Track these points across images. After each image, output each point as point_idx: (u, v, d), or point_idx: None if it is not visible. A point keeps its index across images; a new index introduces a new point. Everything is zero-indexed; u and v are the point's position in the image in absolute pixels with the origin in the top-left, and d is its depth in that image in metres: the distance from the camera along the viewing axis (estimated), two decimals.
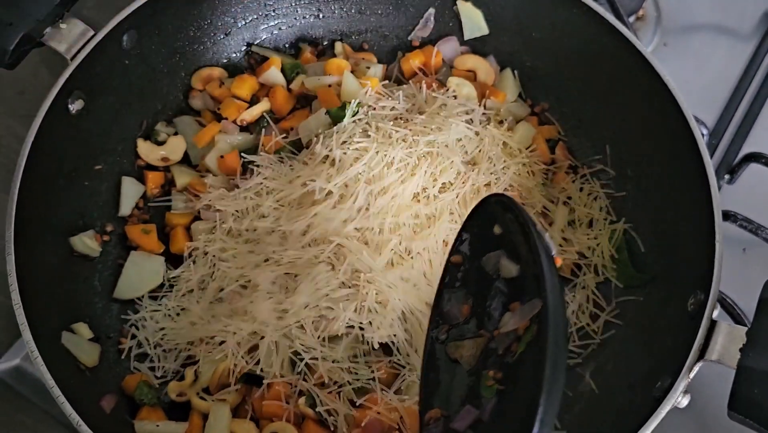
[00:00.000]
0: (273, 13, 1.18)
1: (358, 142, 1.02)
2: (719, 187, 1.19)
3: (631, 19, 1.37)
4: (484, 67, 1.15)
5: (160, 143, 1.11)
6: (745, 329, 0.82)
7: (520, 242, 0.73)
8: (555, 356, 0.63)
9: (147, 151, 1.10)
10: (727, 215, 1.14)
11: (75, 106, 1.01)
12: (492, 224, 0.78)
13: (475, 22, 1.16)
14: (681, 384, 0.82)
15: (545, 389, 0.61)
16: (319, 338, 0.95)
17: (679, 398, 0.83)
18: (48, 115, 0.97)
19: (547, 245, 0.70)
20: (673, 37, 1.40)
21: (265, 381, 0.94)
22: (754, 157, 1.19)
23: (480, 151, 1.06)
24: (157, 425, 0.93)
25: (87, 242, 1.03)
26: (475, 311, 0.78)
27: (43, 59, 1.38)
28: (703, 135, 1.18)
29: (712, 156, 1.24)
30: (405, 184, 0.99)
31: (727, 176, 1.23)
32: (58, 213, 1.01)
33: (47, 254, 0.98)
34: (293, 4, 1.18)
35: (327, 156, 1.03)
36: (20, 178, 0.93)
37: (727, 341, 0.82)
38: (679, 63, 1.36)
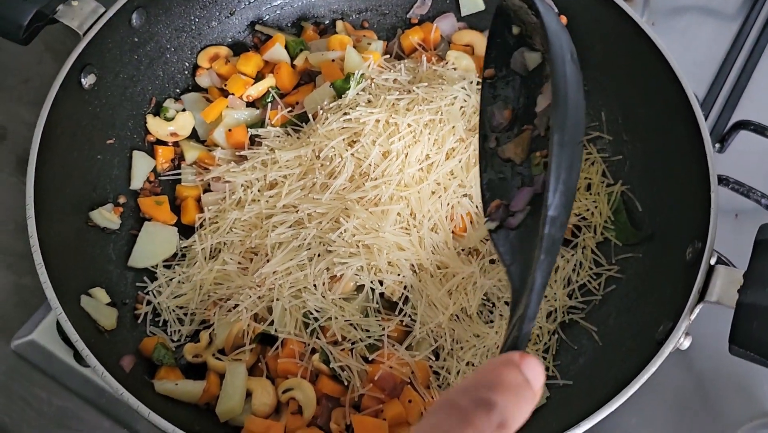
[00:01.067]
0: None
1: (369, 112, 1.05)
2: None
3: None
4: (481, 41, 1.19)
5: (169, 119, 1.14)
6: (742, 271, 0.85)
7: (535, 29, 0.78)
8: (563, 73, 0.67)
9: (156, 126, 1.13)
10: (719, 179, 1.17)
11: (87, 81, 1.04)
12: (510, 28, 0.82)
13: None
14: (683, 325, 0.85)
15: (558, 102, 0.65)
16: (331, 300, 0.99)
17: (681, 339, 0.87)
18: (61, 89, 1.00)
19: (550, 8, 0.76)
20: (661, 17, 1.44)
21: (279, 339, 0.97)
22: (742, 125, 1.23)
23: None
24: (176, 384, 0.95)
25: (106, 215, 1.06)
26: (516, 111, 0.82)
27: (48, 47, 1.42)
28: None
29: None
30: (411, 148, 1.02)
31: (717, 145, 1.27)
32: (73, 185, 1.04)
33: (63, 225, 1.00)
34: None
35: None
36: (37, 149, 0.96)
37: (725, 282, 0.86)
38: (667, 41, 1.38)
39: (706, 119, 1.28)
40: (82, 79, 1.04)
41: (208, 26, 1.18)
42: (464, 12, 1.22)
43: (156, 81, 1.15)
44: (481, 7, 1.20)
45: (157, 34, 1.13)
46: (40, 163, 0.97)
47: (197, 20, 1.17)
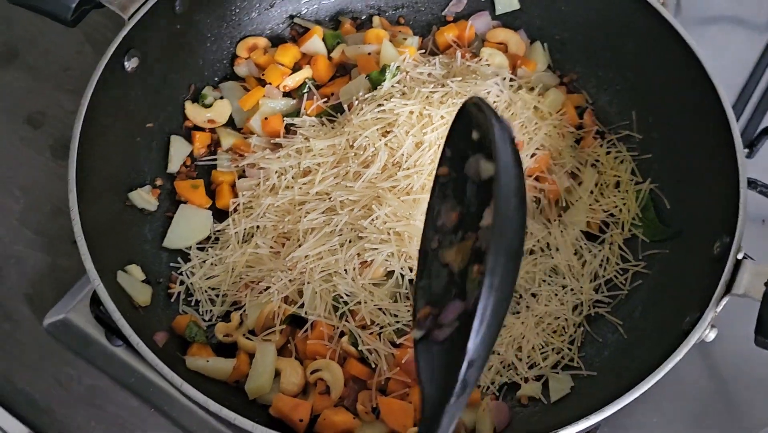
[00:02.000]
0: None
1: (403, 104, 1.07)
2: None
3: None
4: (515, 39, 1.21)
5: (207, 106, 1.16)
6: None
7: (491, 138, 0.73)
8: (505, 206, 0.66)
9: (194, 113, 1.16)
10: (748, 182, 1.17)
11: (130, 64, 1.07)
12: (470, 131, 0.78)
13: None
14: (708, 316, 0.86)
15: (494, 237, 0.65)
16: (361, 285, 1.00)
17: (706, 331, 0.87)
18: (105, 71, 1.02)
19: (504, 122, 0.71)
20: (692, 24, 1.45)
21: (309, 320, 0.99)
22: None
23: (512, 114, 1.11)
24: (207, 361, 0.97)
25: (144, 197, 1.09)
26: (463, 217, 0.78)
27: (88, 38, 1.46)
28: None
29: None
30: (443, 140, 1.04)
31: (746, 150, 1.27)
32: (112, 166, 1.06)
33: (102, 204, 1.03)
34: None
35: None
36: (80, 127, 0.99)
37: (753, 276, 0.87)
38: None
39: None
40: (126, 63, 1.06)
41: (247, 17, 1.21)
42: (499, 11, 1.24)
43: (195, 68, 1.18)
44: (516, 6, 1.22)
45: (198, 22, 1.16)
46: (82, 142, 0.99)
47: (237, 11, 1.20)
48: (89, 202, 0.98)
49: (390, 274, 1.01)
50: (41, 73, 1.41)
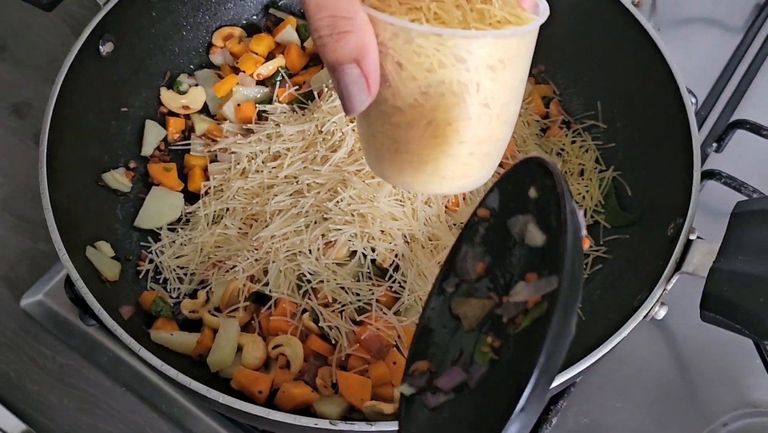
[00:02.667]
0: None
1: None
2: (707, 155, 1.28)
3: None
4: None
5: (182, 93, 1.19)
6: (719, 244, 0.88)
7: (552, 212, 0.66)
8: (553, 345, 0.56)
9: (169, 99, 1.19)
10: (712, 174, 1.20)
11: (105, 49, 1.10)
12: (528, 186, 0.69)
13: None
14: (657, 292, 0.88)
15: (533, 378, 0.54)
16: (324, 264, 1.02)
17: (656, 308, 0.89)
18: (80, 54, 1.05)
19: (578, 224, 0.63)
20: (667, 25, 1.48)
21: (273, 298, 1.01)
22: (738, 124, 1.26)
23: None
24: (171, 334, 0.99)
25: (118, 178, 1.11)
26: (490, 272, 0.71)
27: (73, 31, 1.49)
28: (693, 104, 1.27)
29: (701, 126, 1.32)
30: None
31: (714, 144, 1.30)
32: (86, 148, 1.09)
33: (75, 184, 1.05)
34: None
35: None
36: (52, 109, 1.02)
37: (702, 254, 0.88)
38: (671, 48, 1.43)
39: (705, 119, 1.33)
40: (101, 47, 1.09)
41: (224, 7, 1.24)
42: None
43: (171, 56, 1.21)
44: None
45: (174, 10, 1.19)
46: (55, 124, 1.02)
47: (214, 1, 1.23)
48: (61, 182, 1.00)
49: (353, 254, 1.03)
50: (27, 64, 1.45)
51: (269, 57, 1.23)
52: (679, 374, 1.13)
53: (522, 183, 0.70)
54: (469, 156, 0.69)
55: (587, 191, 1.12)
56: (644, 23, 1.10)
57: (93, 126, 1.10)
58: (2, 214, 1.27)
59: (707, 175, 1.21)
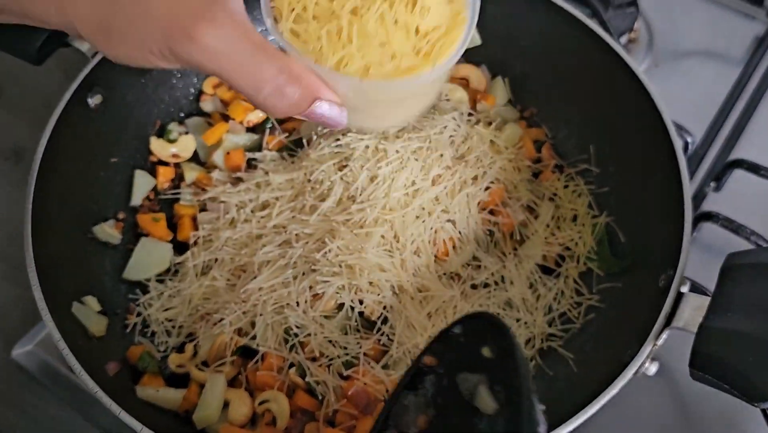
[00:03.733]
0: None
1: (359, 138, 1.09)
2: (706, 195, 1.26)
3: (623, 40, 1.44)
4: (476, 74, 1.22)
5: (172, 141, 1.19)
6: (709, 298, 0.86)
7: (508, 385, 0.65)
8: None
9: (159, 148, 1.18)
10: (709, 216, 1.18)
11: (94, 101, 1.10)
12: (481, 343, 0.68)
13: None
14: (647, 349, 0.86)
15: None
16: (312, 317, 1.01)
17: (646, 364, 0.87)
18: (68, 107, 1.06)
19: (537, 418, 0.63)
20: (665, 59, 1.47)
21: (260, 353, 1.00)
22: (737, 164, 1.24)
23: (468, 148, 1.12)
24: (158, 390, 0.98)
25: (108, 231, 1.11)
26: (433, 427, 0.67)
27: (69, 76, 1.49)
28: (689, 144, 1.26)
29: (698, 165, 1.30)
30: (397, 174, 1.06)
31: (713, 184, 1.28)
32: (74, 199, 1.08)
33: (63, 237, 1.05)
34: None
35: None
36: (39, 162, 1.02)
37: (693, 309, 0.87)
38: (670, 82, 1.43)
39: (703, 158, 1.31)
40: (89, 99, 1.10)
41: None
42: None
43: (161, 105, 1.21)
44: (478, 42, 1.24)
45: None
46: (43, 176, 1.02)
47: None
48: (48, 233, 1.00)
49: (341, 306, 1.02)
50: (23, 109, 1.45)
51: None
52: (680, 421, 1.10)
53: (475, 338, 0.68)
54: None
55: (580, 237, 1.10)
56: (632, 65, 1.08)
57: (82, 177, 1.10)
58: None
59: (704, 217, 1.19)
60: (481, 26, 1.22)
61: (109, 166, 1.14)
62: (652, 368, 0.88)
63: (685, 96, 1.41)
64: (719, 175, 1.27)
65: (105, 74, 1.10)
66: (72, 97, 1.06)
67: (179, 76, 1.22)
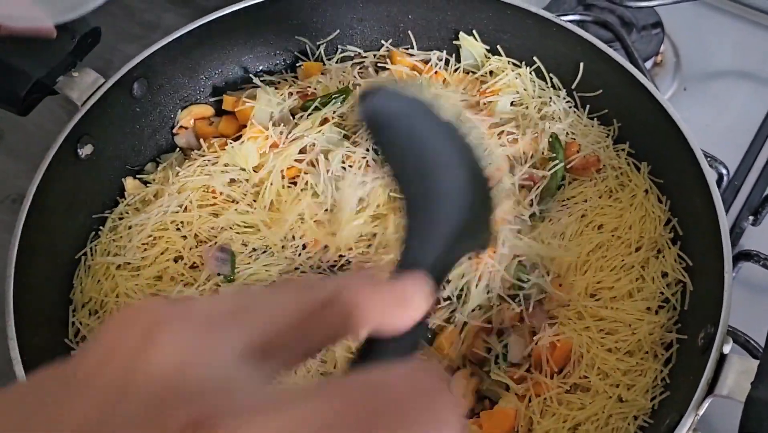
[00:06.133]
0: None
1: None
2: (743, 230, 1.17)
3: (649, 64, 1.36)
4: None
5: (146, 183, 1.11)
6: (758, 362, 0.77)
7: None
8: None
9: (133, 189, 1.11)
10: (749, 255, 1.09)
11: (84, 151, 1.04)
12: None
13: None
14: (688, 421, 0.77)
15: None
16: None
17: None
18: (56, 158, 1.00)
19: None
20: (693, 82, 1.38)
21: None
22: None
23: None
24: None
25: None
26: None
27: (71, 117, 1.44)
28: (724, 175, 1.16)
29: (735, 197, 1.21)
30: None
31: (751, 218, 1.19)
32: (60, 255, 1.03)
33: (46, 282, 0.99)
34: None
35: None
36: (26, 213, 0.96)
37: (738, 374, 0.78)
38: (699, 107, 1.34)
39: (739, 190, 1.22)
40: (79, 150, 1.03)
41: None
42: None
43: (160, 149, 1.14)
44: None
45: (159, 103, 1.12)
46: (29, 227, 0.96)
47: (203, 89, 1.16)
48: (30, 283, 0.94)
49: None
50: (24, 154, 1.39)
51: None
52: None
53: None
54: None
55: None
56: (659, 97, 1.00)
57: (70, 232, 1.03)
58: None
59: (743, 256, 1.10)
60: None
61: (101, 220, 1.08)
62: None
63: (717, 121, 1.32)
64: (758, 208, 1.18)
65: (96, 123, 1.04)
66: (59, 148, 1.00)
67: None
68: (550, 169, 1.02)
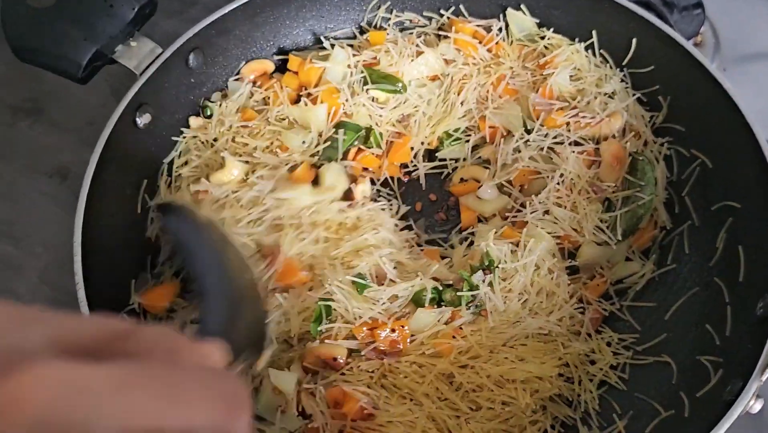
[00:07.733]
0: None
1: None
2: None
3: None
4: None
5: (208, 117, 1.12)
6: None
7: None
8: None
9: (197, 125, 1.12)
10: None
11: (143, 120, 1.05)
12: None
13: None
14: (753, 386, 0.79)
15: None
16: None
17: (751, 402, 0.80)
18: (117, 126, 1.01)
19: None
20: (732, 63, 1.39)
21: None
22: None
23: None
24: None
25: None
26: None
27: (113, 91, 1.44)
28: None
29: None
30: None
31: None
32: (122, 223, 1.04)
33: (111, 258, 1.00)
34: None
35: None
36: (89, 184, 0.97)
37: None
38: (738, 89, 1.34)
39: None
40: (137, 119, 1.04)
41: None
42: None
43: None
44: None
45: (213, 75, 1.13)
46: (92, 198, 0.97)
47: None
48: (96, 260, 0.95)
49: None
50: (65, 128, 1.40)
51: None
52: None
53: None
54: None
55: None
56: (717, 76, 1.02)
57: (130, 201, 1.05)
58: (40, 286, 1.21)
59: None
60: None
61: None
62: (757, 406, 0.81)
63: (755, 103, 1.32)
64: None
65: (153, 92, 1.05)
66: (120, 117, 1.01)
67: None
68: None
